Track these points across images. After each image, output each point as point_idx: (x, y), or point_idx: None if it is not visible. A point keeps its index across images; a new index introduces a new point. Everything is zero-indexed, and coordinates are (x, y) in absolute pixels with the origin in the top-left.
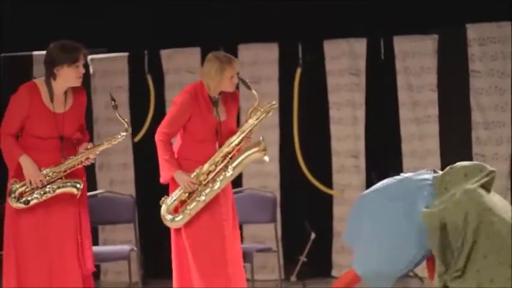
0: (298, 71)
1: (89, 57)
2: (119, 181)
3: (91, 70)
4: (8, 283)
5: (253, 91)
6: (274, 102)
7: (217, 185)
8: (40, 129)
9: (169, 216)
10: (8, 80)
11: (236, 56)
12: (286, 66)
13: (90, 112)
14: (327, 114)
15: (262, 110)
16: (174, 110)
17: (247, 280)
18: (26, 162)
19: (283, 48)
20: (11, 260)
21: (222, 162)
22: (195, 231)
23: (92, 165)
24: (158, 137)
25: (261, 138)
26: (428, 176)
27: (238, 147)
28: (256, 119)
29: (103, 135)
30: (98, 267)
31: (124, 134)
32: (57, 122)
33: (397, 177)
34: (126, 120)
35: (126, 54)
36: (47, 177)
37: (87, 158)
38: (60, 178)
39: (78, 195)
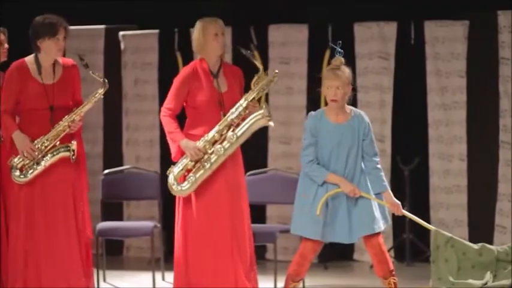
0: (327, 52)
1: (120, 33)
2: (145, 157)
3: (122, 46)
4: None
5: (255, 62)
6: (277, 71)
7: (222, 153)
8: (32, 101)
9: (176, 185)
10: None
11: (266, 36)
12: (316, 48)
13: (120, 88)
14: (354, 97)
15: (266, 78)
16: (174, 87)
17: (270, 261)
18: (17, 136)
19: (313, 30)
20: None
21: (227, 130)
22: (206, 205)
23: (119, 141)
24: (162, 114)
25: (263, 105)
26: None
27: (242, 115)
28: (260, 88)
29: (131, 111)
30: (120, 242)
31: (101, 90)
32: (47, 92)
33: None
34: (100, 76)
35: (156, 31)
36: (42, 147)
37: (73, 121)
38: (54, 146)
39: (73, 158)
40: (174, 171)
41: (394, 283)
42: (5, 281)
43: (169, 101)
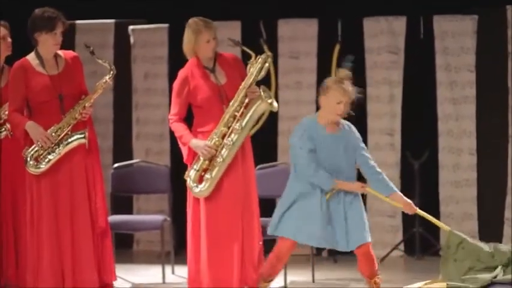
0: (337, 47)
1: (130, 27)
2: (154, 151)
3: (131, 40)
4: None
5: (245, 48)
6: (269, 53)
7: (232, 144)
8: (40, 94)
9: (195, 187)
10: None
11: (275, 30)
12: (325, 42)
13: (129, 82)
14: (364, 91)
15: (259, 61)
16: (174, 93)
17: None
18: (30, 126)
19: (323, 25)
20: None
21: (232, 122)
22: (216, 200)
23: (129, 135)
24: (170, 123)
25: (260, 90)
26: None
27: (244, 104)
28: (255, 71)
29: (141, 105)
30: (130, 236)
31: (108, 76)
32: (53, 82)
33: None
34: (107, 62)
35: (166, 25)
36: (56, 135)
37: (84, 107)
38: (66, 134)
39: (87, 144)
40: (190, 175)
41: (378, 281)
42: (8, 279)
43: (172, 108)
